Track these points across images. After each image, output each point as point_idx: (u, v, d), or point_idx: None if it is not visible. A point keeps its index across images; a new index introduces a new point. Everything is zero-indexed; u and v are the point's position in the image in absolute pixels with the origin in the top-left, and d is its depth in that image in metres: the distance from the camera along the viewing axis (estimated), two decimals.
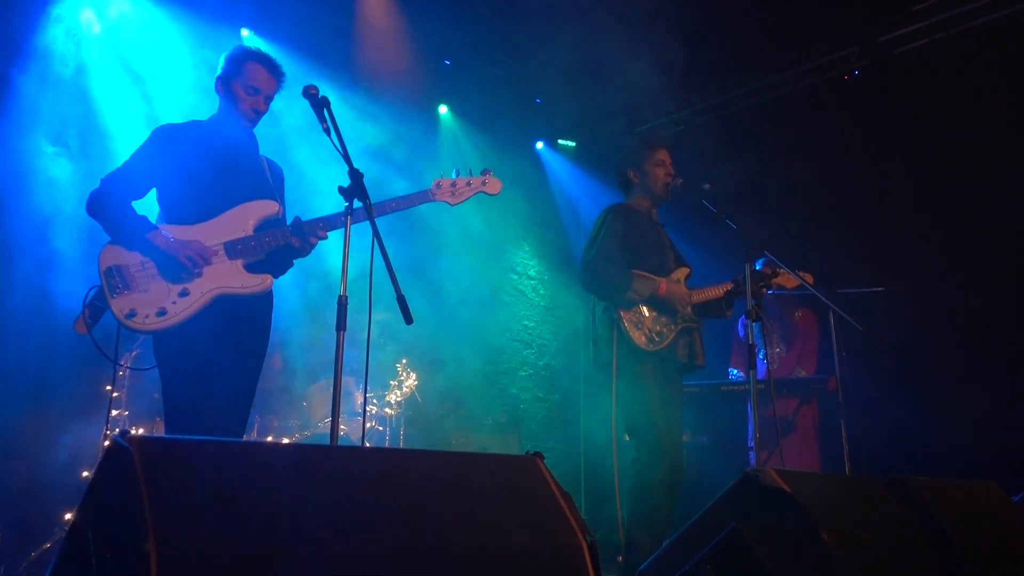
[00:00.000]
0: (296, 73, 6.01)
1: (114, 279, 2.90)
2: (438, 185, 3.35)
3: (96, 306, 2.94)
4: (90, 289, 2.96)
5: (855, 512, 2.50)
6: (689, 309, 4.01)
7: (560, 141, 8.25)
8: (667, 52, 6.66)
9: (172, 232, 3.01)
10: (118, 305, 2.88)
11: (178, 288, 2.94)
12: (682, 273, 4.12)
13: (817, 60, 6.69)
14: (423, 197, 3.32)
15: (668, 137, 4.35)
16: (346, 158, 2.81)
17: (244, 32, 6.01)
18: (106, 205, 3.00)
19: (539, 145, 8.17)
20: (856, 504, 2.58)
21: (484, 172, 3.43)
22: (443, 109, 7.33)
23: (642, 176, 4.18)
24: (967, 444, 5.21)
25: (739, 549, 2.23)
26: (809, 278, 4.14)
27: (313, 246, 3.19)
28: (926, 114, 5.86)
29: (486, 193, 3.43)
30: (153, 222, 3.06)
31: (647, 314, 3.93)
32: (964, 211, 5.58)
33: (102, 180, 3.05)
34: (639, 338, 3.87)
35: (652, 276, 3.98)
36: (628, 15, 6.32)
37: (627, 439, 3.99)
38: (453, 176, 3.38)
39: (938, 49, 6.01)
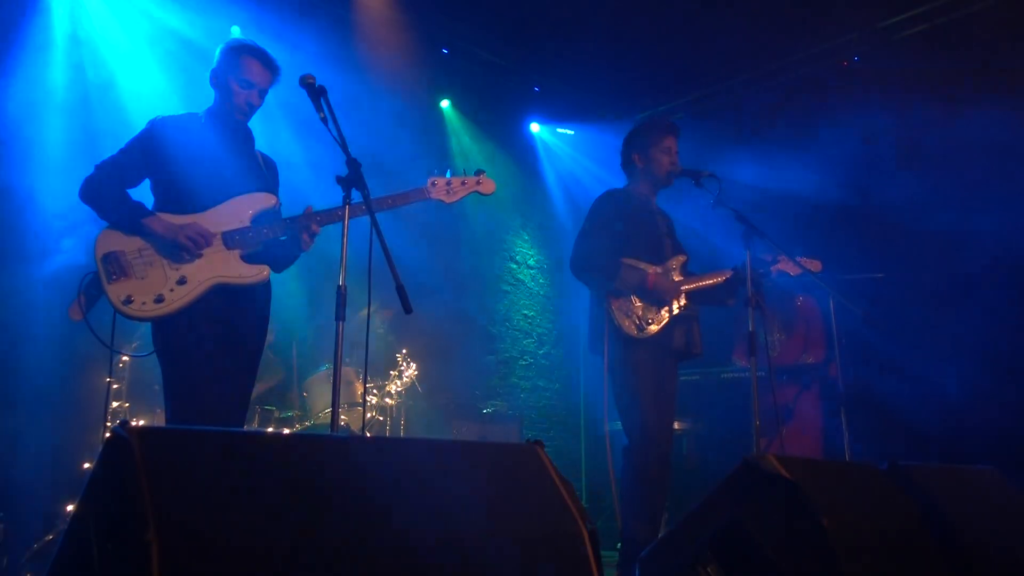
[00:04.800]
0: (291, 61, 5.98)
1: (111, 265, 2.89)
2: (433, 183, 3.35)
3: (91, 293, 2.93)
4: (85, 275, 2.95)
5: (856, 498, 2.50)
6: (683, 299, 4.00)
7: (559, 129, 8.23)
8: (666, 40, 6.64)
9: (168, 219, 3.01)
10: (114, 291, 2.87)
11: (176, 276, 2.94)
12: (678, 261, 4.11)
13: (816, 47, 6.67)
14: (418, 195, 3.32)
15: (673, 124, 4.33)
16: (344, 148, 2.80)
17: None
18: (100, 190, 2.99)
19: (534, 127, 8.11)
20: (856, 490, 2.58)
21: (478, 172, 3.44)
22: (444, 103, 7.31)
23: (647, 161, 4.17)
24: (967, 430, 5.22)
25: (740, 536, 2.24)
26: (817, 265, 4.12)
27: (312, 239, 3.17)
28: (926, 101, 5.84)
29: (480, 193, 3.44)
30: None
31: (637, 303, 3.93)
32: (965, 197, 5.57)
33: (96, 166, 3.05)
34: (627, 326, 3.87)
35: (641, 265, 3.97)
36: (627, 3, 6.30)
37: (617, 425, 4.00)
38: (448, 175, 3.38)
39: (938, 35, 5.99)
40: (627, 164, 4.26)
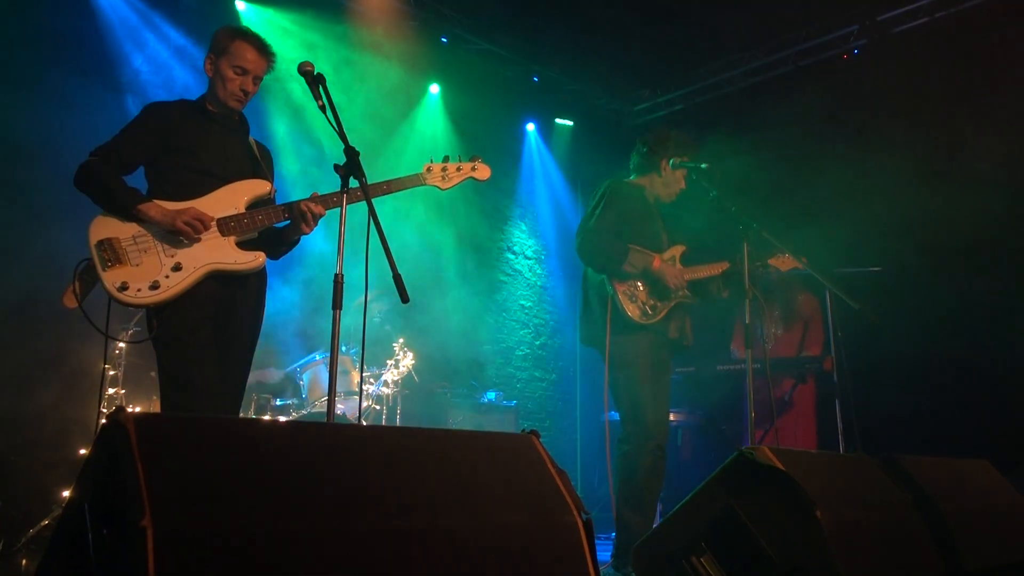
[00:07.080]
0: (290, 48, 5.97)
1: (105, 252, 2.88)
2: (429, 169, 3.34)
3: (86, 279, 2.91)
4: (80, 262, 2.92)
5: (849, 490, 2.51)
6: (685, 288, 4.00)
7: (558, 120, 8.21)
8: (668, 31, 6.62)
9: (164, 205, 3.00)
10: (109, 278, 2.85)
11: (171, 262, 2.93)
12: (677, 250, 4.12)
13: (816, 39, 6.65)
14: (414, 181, 3.31)
15: (671, 118, 4.33)
16: (342, 136, 2.79)
17: (240, 5, 5.97)
18: (96, 177, 2.96)
19: (530, 127, 8.12)
20: (850, 482, 2.59)
21: (474, 158, 3.43)
22: (434, 88, 7.26)
23: (673, 172, 4.16)
24: (961, 422, 5.24)
25: (734, 526, 2.25)
26: (805, 261, 4.13)
27: (315, 222, 3.15)
28: (926, 93, 5.84)
29: (476, 179, 3.43)
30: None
31: (642, 288, 3.94)
32: (963, 191, 5.57)
33: (91, 153, 3.02)
34: (633, 311, 3.88)
35: (647, 251, 3.98)
36: None
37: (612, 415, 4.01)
38: (443, 161, 3.37)
39: (938, 28, 5.98)
40: (648, 161, 4.21)
